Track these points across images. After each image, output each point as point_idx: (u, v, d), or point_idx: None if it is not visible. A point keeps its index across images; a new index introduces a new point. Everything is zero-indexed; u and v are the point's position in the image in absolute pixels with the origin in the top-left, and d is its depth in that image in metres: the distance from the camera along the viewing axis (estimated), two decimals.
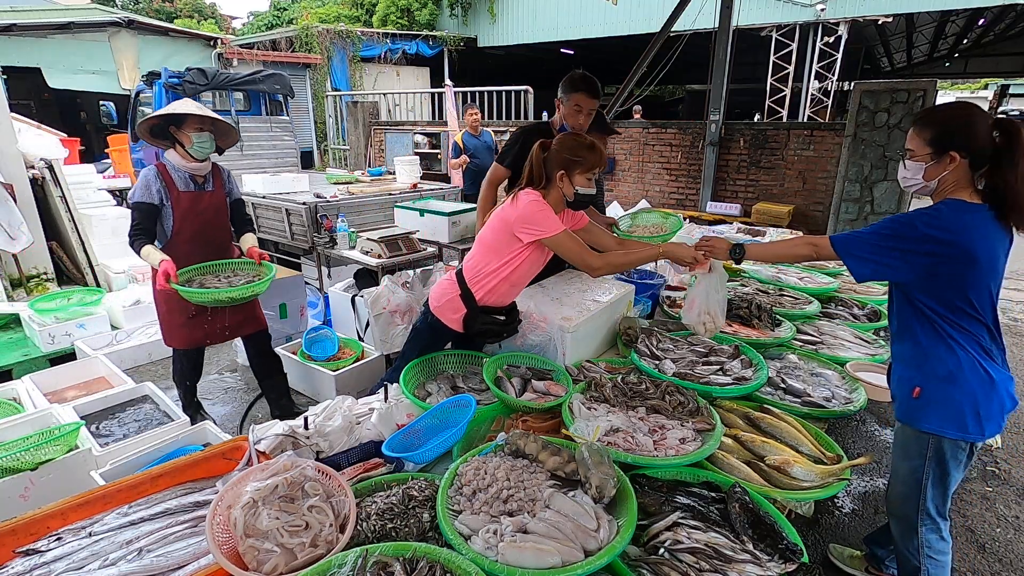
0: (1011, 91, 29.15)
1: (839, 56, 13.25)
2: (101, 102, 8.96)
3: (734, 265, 3.55)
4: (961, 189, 1.72)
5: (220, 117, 2.63)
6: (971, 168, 1.69)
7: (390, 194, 5.91)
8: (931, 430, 1.76)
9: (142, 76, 8.37)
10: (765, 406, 2.02)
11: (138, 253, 2.60)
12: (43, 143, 5.42)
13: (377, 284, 3.58)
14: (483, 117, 11.45)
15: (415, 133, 11.92)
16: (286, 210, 5.58)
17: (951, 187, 1.74)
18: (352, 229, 4.46)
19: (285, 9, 20.47)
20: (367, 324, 3.69)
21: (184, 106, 2.57)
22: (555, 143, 2.09)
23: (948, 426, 1.74)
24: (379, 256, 4.06)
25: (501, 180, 2.99)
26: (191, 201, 2.66)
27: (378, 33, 15.61)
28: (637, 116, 12.90)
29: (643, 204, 8.54)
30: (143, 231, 2.61)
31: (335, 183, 7.00)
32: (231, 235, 2.88)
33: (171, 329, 2.82)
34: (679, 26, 7.91)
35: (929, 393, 1.75)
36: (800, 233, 4.94)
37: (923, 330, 1.76)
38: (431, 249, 4.54)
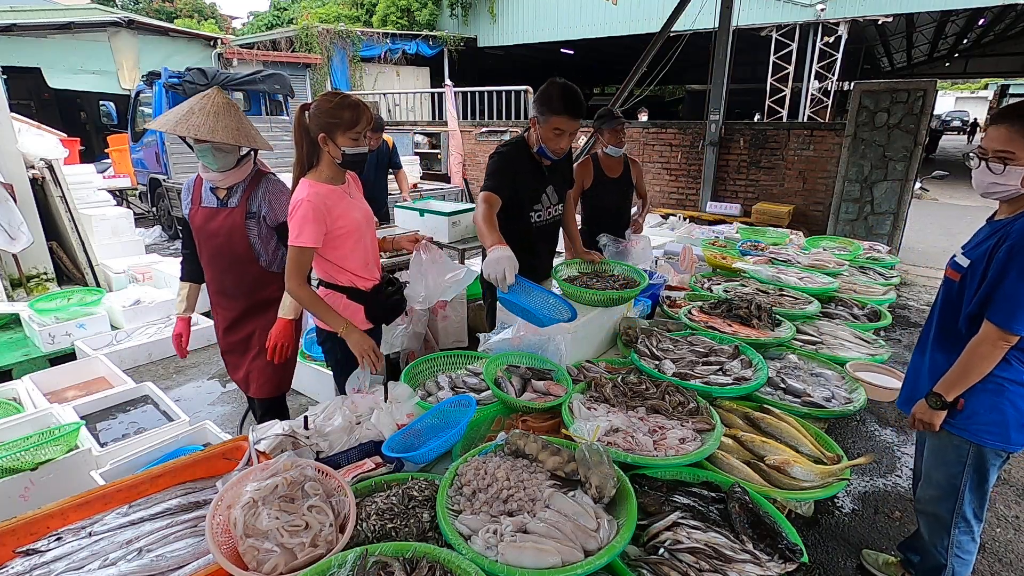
0: (1011, 91, 29.16)
1: (839, 56, 13.26)
2: (101, 102, 8.97)
3: (734, 265, 3.56)
4: None
5: (208, 138, 2.06)
6: None
7: (390, 194, 5.90)
8: (975, 441, 1.75)
9: (142, 76, 8.39)
10: (765, 406, 2.02)
11: None
12: (43, 143, 5.43)
13: None
14: (483, 117, 11.49)
15: (415, 133, 11.93)
16: None
17: None
18: None
19: (285, 9, 20.48)
20: None
21: (169, 119, 2.10)
22: (313, 107, 2.02)
23: (992, 437, 1.73)
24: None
25: (495, 206, 2.48)
26: (202, 219, 2.27)
27: (378, 33, 15.62)
28: (642, 117, 12.90)
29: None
30: (184, 253, 2.49)
31: None
32: (259, 269, 2.32)
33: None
34: (679, 26, 7.91)
35: (975, 405, 1.73)
36: (800, 233, 4.93)
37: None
38: None
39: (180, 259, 2.54)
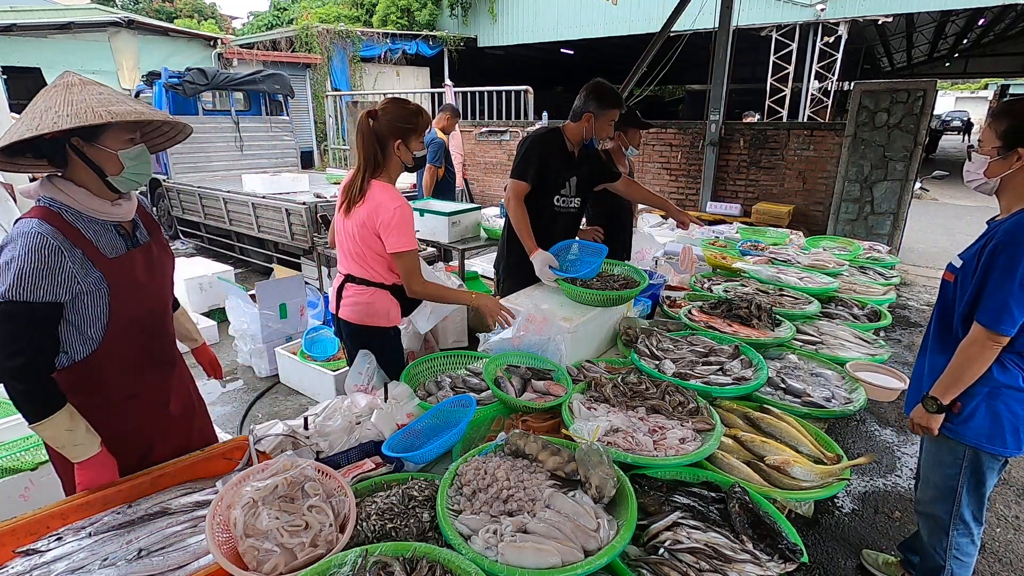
0: (1011, 91, 29.15)
1: (839, 56, 13.26)
2: None
3: (734, 265, 3.56)
4: None
5: (153, 111, 1.43)
6: None
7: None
8: (970, 444, 1.75)
9: (142, 76, 8.38)
10: (765, 406, 2.02)
11: (34, 417, 1.39)
12: None
13: None
14: (483, 117, 11.48)
15: None
16: (286, 210, 5.59)
17: (1014, 189, 1.61)
18: None
19: (285, 9, 20.47)
20: None
21: (114, 107, 1.34)
22: (383, 114, 2.13)
23: (987, 441, 1.73)
24: None
25: (525, 193, 2.77)
26: (128, 270, 1.49)
27: (378, 33, 15.61)
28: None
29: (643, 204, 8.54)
30: (33, 364, 1.37)
31: (335, 183, 7.01)
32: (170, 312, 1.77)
33: None
34: (679, 26, 7.91)
35: (970, 408, 1.73)
36: (800, 233, 4.92)
37: None
38: (431, 249, 4.55)
39: (28, 391, 1.38)
